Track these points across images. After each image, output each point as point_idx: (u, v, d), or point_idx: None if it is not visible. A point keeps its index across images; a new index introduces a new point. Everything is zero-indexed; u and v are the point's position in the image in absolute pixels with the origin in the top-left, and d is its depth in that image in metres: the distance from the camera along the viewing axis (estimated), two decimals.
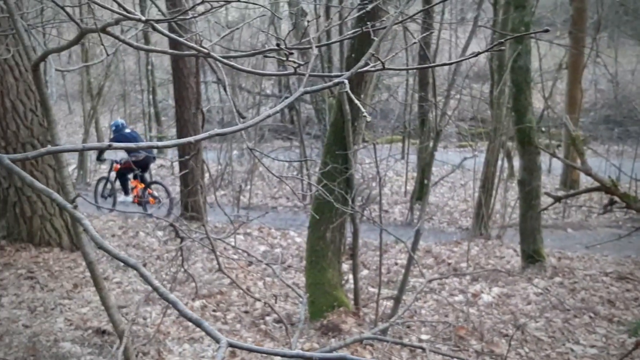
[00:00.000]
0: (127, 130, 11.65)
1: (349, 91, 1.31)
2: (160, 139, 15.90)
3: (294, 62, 1.53)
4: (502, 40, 2.12)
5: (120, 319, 2.41)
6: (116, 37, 1.83)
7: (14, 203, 7.95)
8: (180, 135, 10.71)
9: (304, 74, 1.50)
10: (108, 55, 2.18)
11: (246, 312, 7.07)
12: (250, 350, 1.20)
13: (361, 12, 5.13)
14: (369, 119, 1.31)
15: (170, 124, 17.36)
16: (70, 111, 19.77)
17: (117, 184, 12.54)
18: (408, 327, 6.60)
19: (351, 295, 6.96)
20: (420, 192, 12.26)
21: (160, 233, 10.04)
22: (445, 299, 7.32)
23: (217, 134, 1.41)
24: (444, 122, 6.54)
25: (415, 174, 13.69)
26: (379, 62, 1.47)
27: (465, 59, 1.48)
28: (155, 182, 12.76)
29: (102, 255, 8.44)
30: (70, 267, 7.91)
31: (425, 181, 5.91)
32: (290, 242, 10.51)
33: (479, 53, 1.47)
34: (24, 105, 7.71)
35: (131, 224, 10.38)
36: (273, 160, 16.17)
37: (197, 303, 7.17)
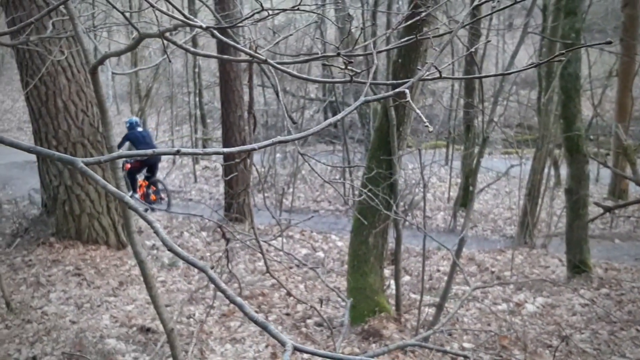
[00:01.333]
0: (140, 129, 11.90)
1: (411, 101, 1.31)
2: (205, 140, 16.10)
3: (353, 69, 1.54)
4: (566, 50, 2.07)
5: (169, 317, 2.45)
6: (174, 43, 1.87)
7: (64, 201, 8.14)
8: (225, 137, 10.83)
9: (361, 82, 1.51)
10: (170, 61, 2.22)
11: (287, 314, 7.10)
12: (314, 353, 1.21)
13: (414, 19, 5.10)
14: (430, 128, 1.30)
15: (215, 126, 17.57)
16: (118, 112, 20.18)
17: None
18: (450, 334, 6.54)
19: (392, 301, 6.94)
20: (464, 199, 12.15)
21: (204, 234, 10.16)
22: (488, 307, 7.23)
23: (280, 142, 1.43)
24: (490, 128, 6.47)
25: (459, 180, 13.56)
26: (433, 70, 1.46)
27: (525, 69, 1.46)
28: (158, 181, 12.99)
29: (147, 254, 8.60)
30: (116, 265, 8.06)
31: (471, 188, 5.84)
32: (331, 246, 10.52)
33: (539, 64, 1.46)
34: (76, 106, 7.90)
35: (176, 224, 10.54)
36: (316, 163, 16.24)
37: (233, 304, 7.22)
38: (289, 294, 4.68)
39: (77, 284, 7.39)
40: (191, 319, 6.71)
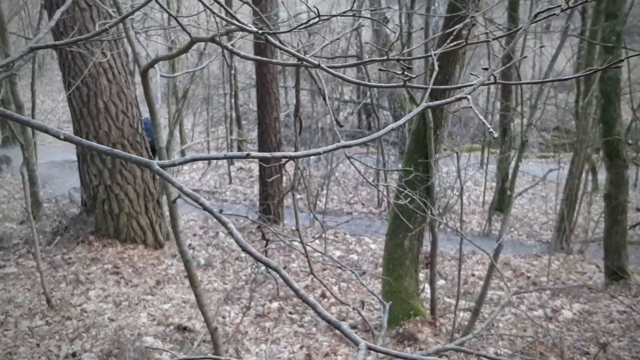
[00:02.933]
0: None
1: (473, 106, 1.32)
2: (240, 142, 16.22)
3: (409, 75, 1.56)
4: (625, 58, 2.04)
5: (213, 317, 2.49)
6: (224, 47, 1.91)
7: (103, 200, 8.29)
8: (261, 139, 10.90)
9: (420, 87, 1.52)
10: (229, 65, 2.26)
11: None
12: (387, 353, 1.23)
13: (454, 28, 5.10)
14: (495, 134, 1.31)
15: (249, 127, 17.69)
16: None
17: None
18: (485, 339, 6.49)
19: (427, 305, 6.92)
20: (500, 203, 12.04)
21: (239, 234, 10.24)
22: (524, 313, 7.16)
23: (344, 146, 1.45)
24: (529, 132, 6.41)
25: (493, 184, 13.44)
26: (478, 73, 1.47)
27: (580, 76, 1.46)
28: None
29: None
30: (153, 264, 8.18)
31: (509, 192, 5.79)
32: (365, 249, 10.52)
33: (595, 70, 1.45)
34: (116, 107, 8.04)
35: (211, 224, 10.64)
36: (350, 165, 16.23)
37: (274, 304, 7.29)
38: (333, 296, 4.71)
39: (115, 282, 7.52)
40: (227, 319, 6.78)
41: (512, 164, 11.60)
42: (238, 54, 1.97)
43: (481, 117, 1.30)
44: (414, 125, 6.60)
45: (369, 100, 16.47)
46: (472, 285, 8.54)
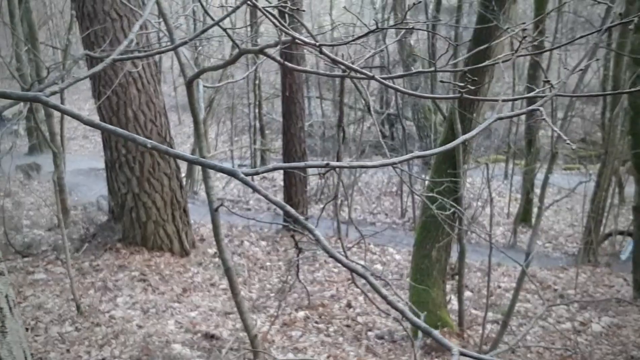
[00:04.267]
0: None
1: (547, 118, 1.33)
2: (264, 151, 16.29)
3: (466, 85, 1.57)
4: None
5: (252, 324, 2.51)
6: (272, 58, 1.94)
7: (131, 208, 8.37)
8: (286, 149, 10.95)
9: (476, 98, 1.52)
10: (277, 73, 2.29)
11: (348, 326, 7.12)
12: (479, 358, 1.24)
13: (480, 48, 5.10)
14: (574, 146, 1.32)
15: (273, 137, 17.77)
16: (179, 122, 20.66)
17: None
18: (512, 352, 6.44)
19: (454, 316, 6.89)
20: (525, 215, 11.96)
21: (263, 243, 10.28)
22: (553, 325, 7.10)
23: (418, 156, 1.48)
24: (560, 144, 6.38)
25: (518, 195, 13.36)
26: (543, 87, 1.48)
27: (626, 92, 1.46)
28: None
29: (209, 262, 8.77)
30: (179, 272, 8.24)
31: (538, 204, 5.77)
32: (389, 259, 10.49)
33: (633, 91, 1.45)
34: (145, 116, 8.14)
35: (236, 232, 10.69)
36: (373, 175, 16.24)
37: (301, 314, 7.29)
38: (377, 307, 4.72)
39: (143, 289, 7.58)
40: (254, 327, 6.79)
41: (539, 175, 11.53)
42: (287, 66, 2.00)
43: (555, 128, 1.31)
44: (442, 135, 6.60)
45: (392, 111, 16.49)
46: (498, 297, 8.48)
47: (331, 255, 1.37)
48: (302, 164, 1.50)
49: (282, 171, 13.04)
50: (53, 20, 21.24)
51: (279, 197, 14.56)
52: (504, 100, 1.57)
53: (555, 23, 12.40)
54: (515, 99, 1.90)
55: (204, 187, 2.57)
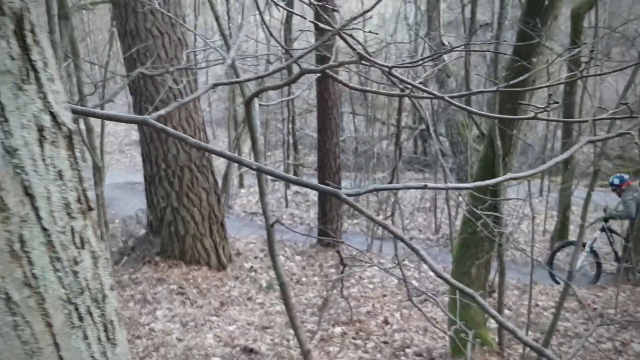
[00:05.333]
0: None
1: (638, 139, 1.35)
2: (297, 166, 16.37)
3: (545, 108, 1.59)
4: None
5: (305, 339, 2.53)
6: (334, 79, 1.98)
7: (170, 222, 8.48)
8: (321, 164, 10.99)
9: (553, 120, 1.54)
10: (310, 89, 2.33)
11: (385, 342, 7.10)
12: None
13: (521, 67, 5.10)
14: None
15: (305, 152, 17.86)
16: (214, 137, 20.87)
17: None
18: None
19: (492, 335, 6.82)
20: (562, 232, 11.82)
21: (298, 258, 10.32)
22: (594, 345, 6.99)
23: (512, 178, 1.50)
24: (601, 161, 6.32)
25: (554, 213, 13.21)
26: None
27: None
28: None
29: (246, 276, 8.82)
30: (217, 286, 8.31)
31: (581, 222, 5.71)
32: (423, 275, 10.44)
33: None
34: (185, 131, 8.25)
35: None
36: (406, 191, 16.18)
37: (338, 329, 7.29)
38: (432, 323, 4.72)
39: (181, 302, 7.66)
40: (291, 342, 6.82)
41: (576, 192, 11.41)
42: (348, 86, 2.04)
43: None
44: (481, 152, 6.59)
45: (424, 126, 16.47)
46: (536, 316, 8.38)
47: (438, 275, 1.39)
48: (400, 185, 1.53)
49: None
50: (91, 37, 21.67)
51: (312, 212, 14.60)
52: (594, 120, 1.58)
53: (593, 38, 12.28)
54: (605, 119, 1.90)
55: (261, 203, 2.61)
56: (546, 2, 5.87)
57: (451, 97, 1.71)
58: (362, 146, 17.30)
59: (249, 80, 2.32)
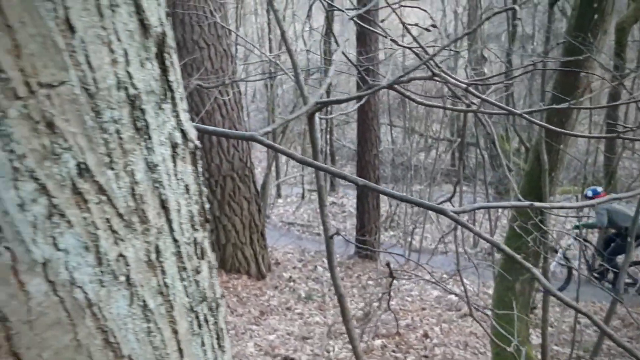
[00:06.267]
0: None
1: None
2: (333, 177, 16.40)
3: (625, 125, 1.60)
4: None
5: (362, 353, 2.55)
6: (401, 93, 2.01)
7: (211, 231, 8.54)
8: (360, 175, 11.00)
9: (633, 139, 1.55)
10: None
11: (426, 356, 7.07)
12: None
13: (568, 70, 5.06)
14: None
15: (342, 162, 17.88)
16: (252, 147, 21.06)
17: None
18: None
19: (535, 351, 6.75)
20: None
21: (337, 269, 10.32)
22: None
23: (614, 199, 1.52)
24: None
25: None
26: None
27: None
28: None
29: (285, 286, 8.87)
30: (256, 295, 8.36)
31: (629, 239, 5.62)
32: (462, 289, 10.35)
33: None
34: (228, 141, 8.35)
35: (308, 257, 10.78)
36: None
37: (378, 342, 7.28)
38: (490, 336, 4.71)
39: None
40: (331, 353, 6.83)
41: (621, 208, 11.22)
42: (414, 101, 2.07)
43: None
44: (527, 166, 6.53)
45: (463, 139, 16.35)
46: (578, 334, 8.25)
47: (549, 292, 1.40)
48: (507, 203, 1.56)
49: (354, 198, 13.12)
50: None
51: (349, 223, 14.60)
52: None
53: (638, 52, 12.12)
54: None
55: (320, 215, 2.65)
56: (596, 17, 5.82)
57: (526, 114, 1.72)
58: (398, 158, 17.28)
59: (350, 99, 2.36)
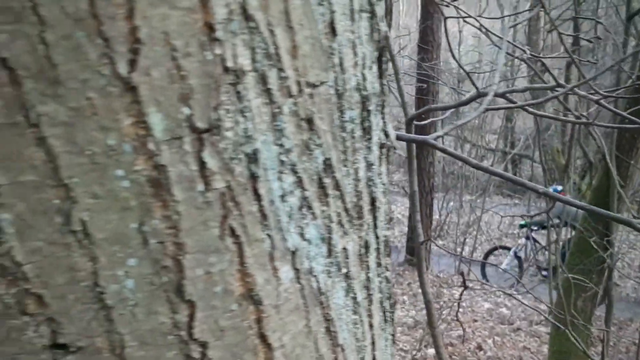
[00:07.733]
0: None
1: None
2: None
3: None
4: None
5: (446, 358, 2.56)
6: (510, 101, 2.01)
7: None
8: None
9: None
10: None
11: None
12: None
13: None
14: None
15: (393, 169, 17.83)
16: None
17: None
18: None
19: None
20: None
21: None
22: None
23: None
24: None
25: None
26: None
27: None
28: None
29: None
30: None
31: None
32: (515, 303, 10.22)
33: None
34: None
35: None
36: (494, 215, 15.91)
37: (430, 351, 7.25)
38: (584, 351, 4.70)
39: None
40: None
41: None
42: (526, 110, 2.07)
43: None
44: (596, 181, 6.44)
45: (515, 151, 16.19)
46: (634, 355, 8.08)
47: None
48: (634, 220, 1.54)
49: (401, 204, 13.10)
50: None
51: (397, 230, 14.53)
52: None
53: None
54: None
55: (412, 221, 2.67)
56: None
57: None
58: (449, 166, 17.19)
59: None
